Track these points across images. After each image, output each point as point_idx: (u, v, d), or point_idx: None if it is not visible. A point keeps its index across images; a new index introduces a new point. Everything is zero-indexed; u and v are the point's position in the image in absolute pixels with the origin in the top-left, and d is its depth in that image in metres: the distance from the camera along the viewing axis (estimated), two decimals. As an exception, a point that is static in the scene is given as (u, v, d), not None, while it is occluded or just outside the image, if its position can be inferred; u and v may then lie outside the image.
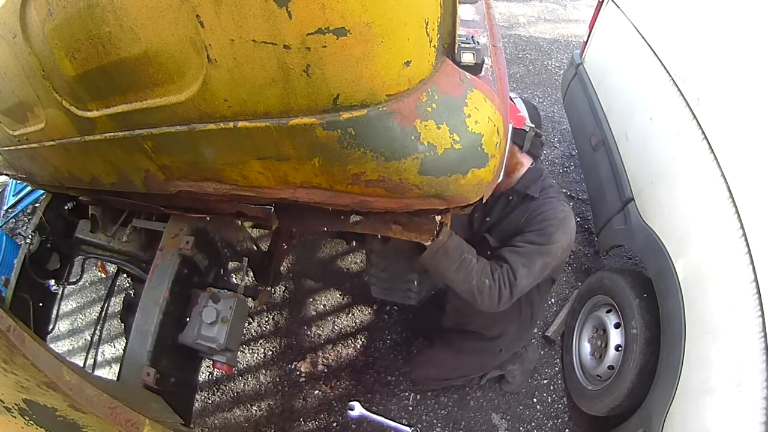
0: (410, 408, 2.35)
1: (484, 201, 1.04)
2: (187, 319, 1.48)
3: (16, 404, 0.77)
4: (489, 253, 1.55)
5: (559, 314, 2.52)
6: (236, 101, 0.86)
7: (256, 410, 2.42)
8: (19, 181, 3.09)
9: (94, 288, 3.15)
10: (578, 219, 3.11)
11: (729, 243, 1.53)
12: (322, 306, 2.75)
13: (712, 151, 1.68)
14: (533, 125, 1.55)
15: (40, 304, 2.04)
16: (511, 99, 1.55)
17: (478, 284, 1.37)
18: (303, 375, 2.50)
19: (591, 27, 2.83)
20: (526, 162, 1.59)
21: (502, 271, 1.40)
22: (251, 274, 2.09)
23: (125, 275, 2.61)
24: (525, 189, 1.57)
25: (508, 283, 1.39)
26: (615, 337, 2.08)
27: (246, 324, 2.56)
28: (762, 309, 1.39)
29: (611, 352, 2.07)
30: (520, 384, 2.34)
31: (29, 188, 3.24)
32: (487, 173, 0.92)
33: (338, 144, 0.84)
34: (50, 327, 2.12)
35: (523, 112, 1.57)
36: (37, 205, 3.08)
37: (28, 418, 0.76)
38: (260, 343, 2.65)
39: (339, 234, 2.24)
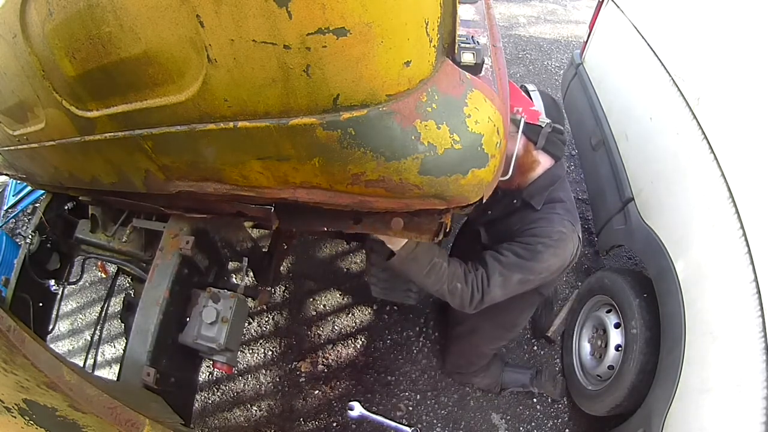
0: (410, 408, 2.36)
1: (485, 201, 1.04)
2: (187, 319, 1.48)
3: (16, 404, 0.77)
4: (478, 247, 1.52)
5: (559, 314, 2.52)
6: (236, 101, 0.86)
7: (256, 410, 2.43)
8: (19, 181, 3.09)
9: (94, 288, 3.15)
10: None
11: (729, 243, 1.53)
12: (322, 306, 2.75)
13: (712, 151, 1.68)
14: (550, 120, 1.41)
15: (40, 304, 2.04)
16: (527, 91, 1.48)
17: (449, 287, 1.35)
18: (303, 375, 2.50)
19: (591, 27, 2.83)
20: (545, 161, 1.46)
21: (476, 275, 1.35)
22: (251, 274, 2.09)
23: (125, 275, 2.61)
24: (529, 197, 1.45)
25: (480, 289, 1.35)
26: (615, 337, 2.08)
27: (246, 324, 2.55)
28: (762, 309, 1.39)
29: (611, 352, 2.07)
30: (554, 390, 2.33)
31: (29, 188, 3.24)
32: (487, 173, 0.92)
33: (338, 144, 0.84)
34: (50, 327, 2.12)
35: (539, 105, 1.43)
36: (37, 205, 3.08)
37: (28, 418, 0.76)
38: (260, 343, 2.65)
39: (339, 234, 2.24)
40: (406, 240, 1.28)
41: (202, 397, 2.50)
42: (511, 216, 1.50)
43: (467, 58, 0.92)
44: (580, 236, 1.47)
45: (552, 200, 1.43)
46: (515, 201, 1.50)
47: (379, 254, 1.73)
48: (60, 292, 2.14)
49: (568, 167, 3.41)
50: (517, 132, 1.34)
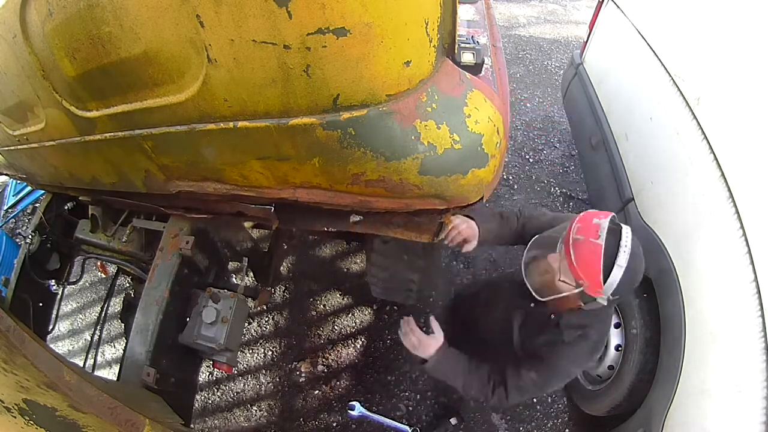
0: (410, 408, 2.35)
1: (485, 200, 1.04)
2: (187, 319, 1.48)
3: (16, 404, 0.77)
4: (507, 341, 1.51)
5: (559, 314, 2.52)
6: (236, 101, 0.86)
7: (256, 410, 2.42)
8: (19, 181, 3.09)
9: (94, 288, 3.15)
10: (578, 219, 3.11)
11: (729, 243, 1.53)
12: (322, 306, 2.75)
13: (712, 151, 1.68)
14: (611, 297, 1.14)
15: (40, 304, 2.04)
16: (614, 258, 1.10)
17: (466, 392, 1.41)
18: (303, 375, 2.50)
19: (591, 27, 2.83)
20: (587, 308, 1.26)
21: (495, 389, 1.37)
22: (251, 274, 2.09)
23: (125, 275, 2.61)
24: (564, 327, 1.32)
25: (497, 399, 1.38)
26: (615, 337, 2.08)
27: (246, 324, 2.56)
28: (762, 309, 1.39)
29: (611, 352, 2.07)
30: None
31: (29, 188, 3.24)
32: (487, 173, 0.92)
33: (338, 144, 0.84)
34: (50, 327, 2.12)
35: (613, 281, 1.10)
36: (37, 205, 3.08)
37: (28, 418, 0.76)
38: (260, 343, 2.65)
39: (339, 234, 2.24)
40: (434, 352, 1.34)
41: (202, 397, 2.50)
42: (544, 329, 1.39)
43: (467, 58, 0.92)
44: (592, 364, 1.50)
45: (584, 336, 1.32)
46: (552, 316, 1.38)
47: (379, 254, 1.73)
48: (60, 292, 2.14)
49: (567, 167, 3.41)
50: (572, 288, 1.16)
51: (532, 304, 1.42)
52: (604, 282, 1.10)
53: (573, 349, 1.33)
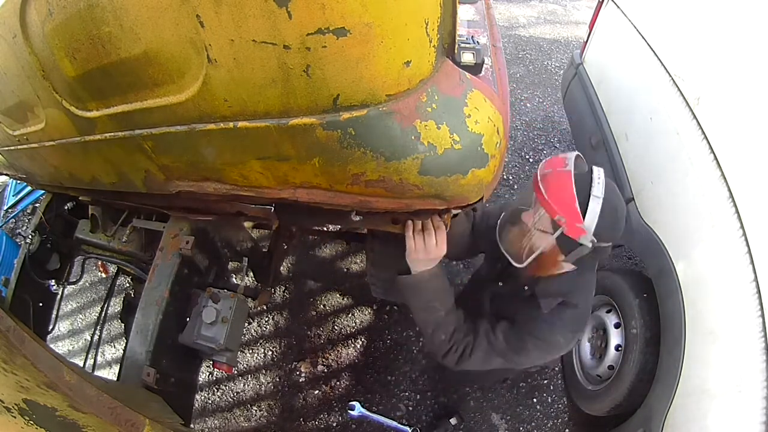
0: (410, 408, 2.36)
1: (485, 201, 1.04)
2: (187, 319, 1.48)
3: (16, 404, 0.77)
4: (483, 304, 1.44)
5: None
6: (236, 101, 0.86)
7: (256, 410, 2.43)
8: (19, 181, 3.09)
9: (94, 288, 3.15)
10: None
11: (729, 243, 1.53)
12: (322, 306, 2.75)
13: (712, 151, 1.68)
14: (595, 240, 1.08)
15: (40, 304, 2.04)
16: (589, 189, 1.08)
17: (433, 333, 1.27)
18: (303, 375, 2.50)
19: (591, 27, 2.83)
20: (568, 268, 1.21)
21: (463, 341, 1.26)
22: (251, 274, 2.09)
23: (125, 275, 2.61)
24: (540, 296, 1.26)
25: (459, 354, 1.26)
26: (615, 337, 2.08)
27: (246, 324, 2.56)
28: (762, 309, 1.39)
29: (611, 352, 2.07)
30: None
31: (29, 188, 3.24)
32: (487, 173, 0.91)
33: (338, 144, 0.84)
34: (50, 327, 2.12)
35: (591, 219, 1.06)
36: (37, 205, 3.07)
37: (28, 418, 0.76)
38: (260, 343, 2.65)
39: (339, 234, 2.25)
40: (431, 267, 1.22)
41: (202, 397, 2.50)
42: (518, 302, 1.32)
43: (467, 58, 0.92)
44: (580, 339, 1.42)
45: (564, 304, 1.25)
46: (526, 288, 1.31)
47: (379, 255, 1.73)
48: (60, 292, 2.14)
49: (568, 167, 3.41)
50: (551, 235, 1.10)
51: (500, 283, 1.40)
52: (583, 216, 1.05)
53: (553, 317, 1.24)
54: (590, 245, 1.08)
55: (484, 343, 1.25)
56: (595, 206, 1.05)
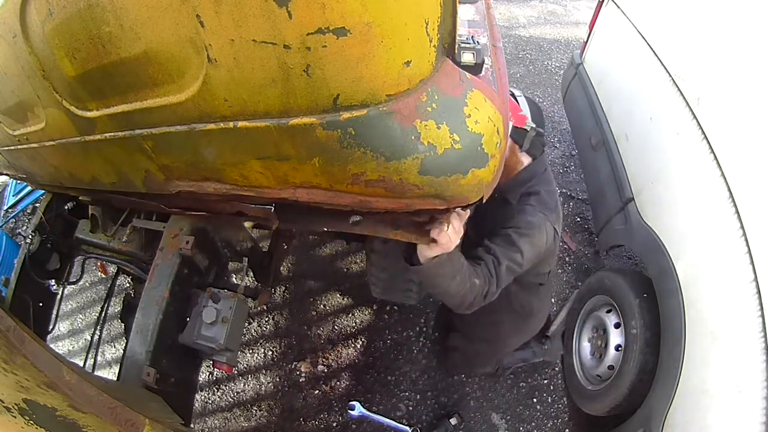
0: (410, 408, 2.35)
1: (485, 201, 1.04)
2: (187, 319, 1.48)
3: (16, 404, 0.77)
4: (466, 241, 1.50)
5: (559, 314, 2.52)
6: (236, 101, 0.86)
7: (256, 410, 2.42)
8: (19, 181, 3.09)
9: (95, 288, 3.15)
10: (578, 219, 3.11)
11: (729, 243, 1.53)
12: (322, 306, 2.75)
13: (712, 151, 1.68)
14: (534, 125, 1.51)
15: (40, 304, 2.04)
16: (513, 96, 1.55)
17: (470, 286, 1.33)
18: (303, 375, 2.50)
19: (591, 27, 2.83)
20: (526, 161, 1.56)
21: (482, 269, 1.37)
22: (251, 274, 2.09)
23: (125, 275, 2.61)
24: (505, 192, 1.50)
25: (489, 280, 1.36)
26: (615, 337, 2.08)
27: (246, 324, 2.56)
28: (762, 309, 1.39)
29: (611, 352, 2.07)
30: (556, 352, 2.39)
31: (29, 188, 3.24)
32: (487, 173, 0.91)
33: (338, 144, 0.84)
34: (50, 327, 2.12)
35: (525, 110, 1.54)
36: (37, 205, 3.08)
37: (28, 418, 0.76)
38: (260, 343, 2.65)
39: (339, 234, 2.24)
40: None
41: (202, 397, 2.50)
42: (492, 211, 1.50)
43: (467, 58, 0.92)
44: (557, 228, 1.52)
45: (529, 193, 1.51)
46: (495, 195, 1.42)
47: (379, 254, 1.73)
48: (60, 292, 2.14)
49: (567, 167, 3.42)
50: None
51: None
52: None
53: (522, 206, 1.48)
54: (533, 127, 1.49)
55: (489, 259, 1.39)
56: (521, 100, 1.56)
